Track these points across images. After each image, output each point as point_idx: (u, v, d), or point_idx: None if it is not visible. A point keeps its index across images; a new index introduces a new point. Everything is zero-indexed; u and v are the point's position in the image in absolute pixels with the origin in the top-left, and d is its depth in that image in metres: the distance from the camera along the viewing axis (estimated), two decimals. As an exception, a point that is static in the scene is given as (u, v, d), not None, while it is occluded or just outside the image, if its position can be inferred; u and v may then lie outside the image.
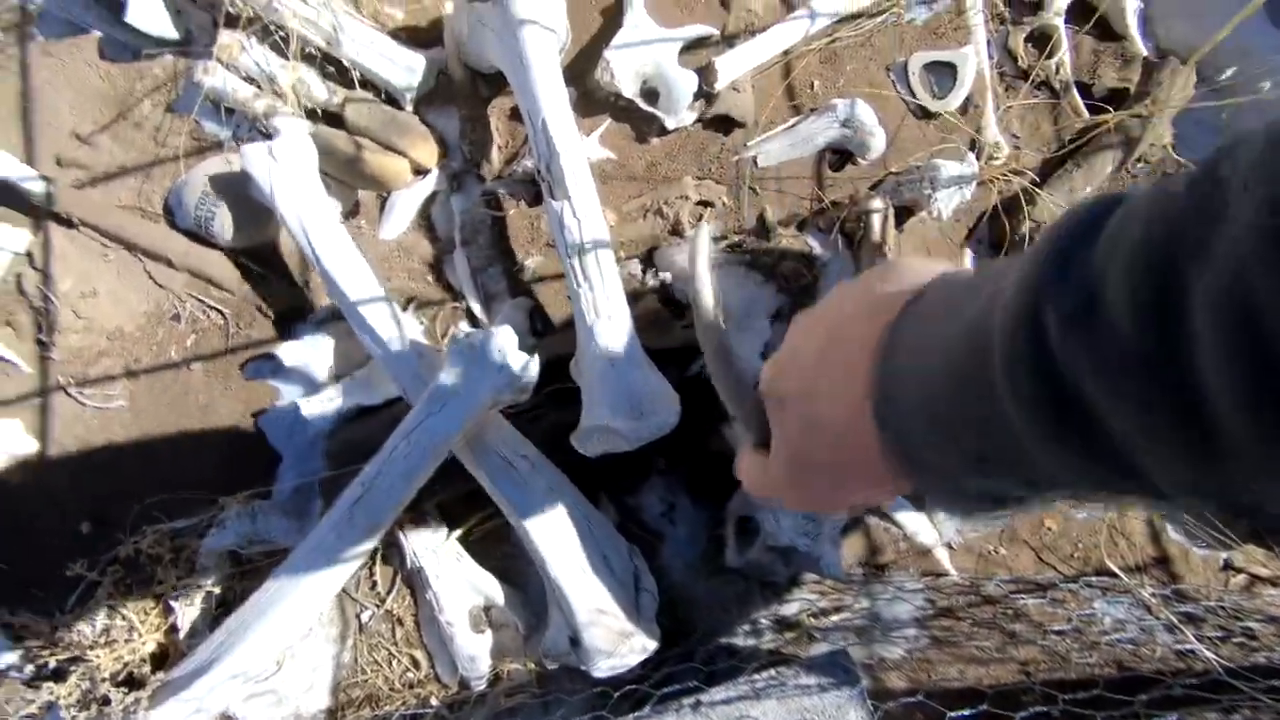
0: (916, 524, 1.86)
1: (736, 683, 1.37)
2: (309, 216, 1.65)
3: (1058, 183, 1.92)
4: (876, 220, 1.84)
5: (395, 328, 1.63)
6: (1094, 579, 1.77)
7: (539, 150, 1.62)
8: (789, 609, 1.78)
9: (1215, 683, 1.42)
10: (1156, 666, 1.68)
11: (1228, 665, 1.50)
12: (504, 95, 1.97)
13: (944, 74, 2.00)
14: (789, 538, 1.69)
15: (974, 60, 1.98)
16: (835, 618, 1.80)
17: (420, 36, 1.99)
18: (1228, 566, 1.82)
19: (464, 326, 1.75)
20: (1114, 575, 1.78)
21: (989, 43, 2.02)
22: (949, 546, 1.85)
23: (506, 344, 1.43)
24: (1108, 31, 2.05)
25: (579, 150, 1.61)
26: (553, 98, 1.62)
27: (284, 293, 1.91)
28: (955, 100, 1.97)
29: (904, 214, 1.91)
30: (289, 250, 1.93)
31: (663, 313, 1.86)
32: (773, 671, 1.38)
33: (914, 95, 1.99)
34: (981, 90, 1.99)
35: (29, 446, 1.84)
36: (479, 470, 1.54)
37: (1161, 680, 1.48)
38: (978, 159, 1.92)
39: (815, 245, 1.92)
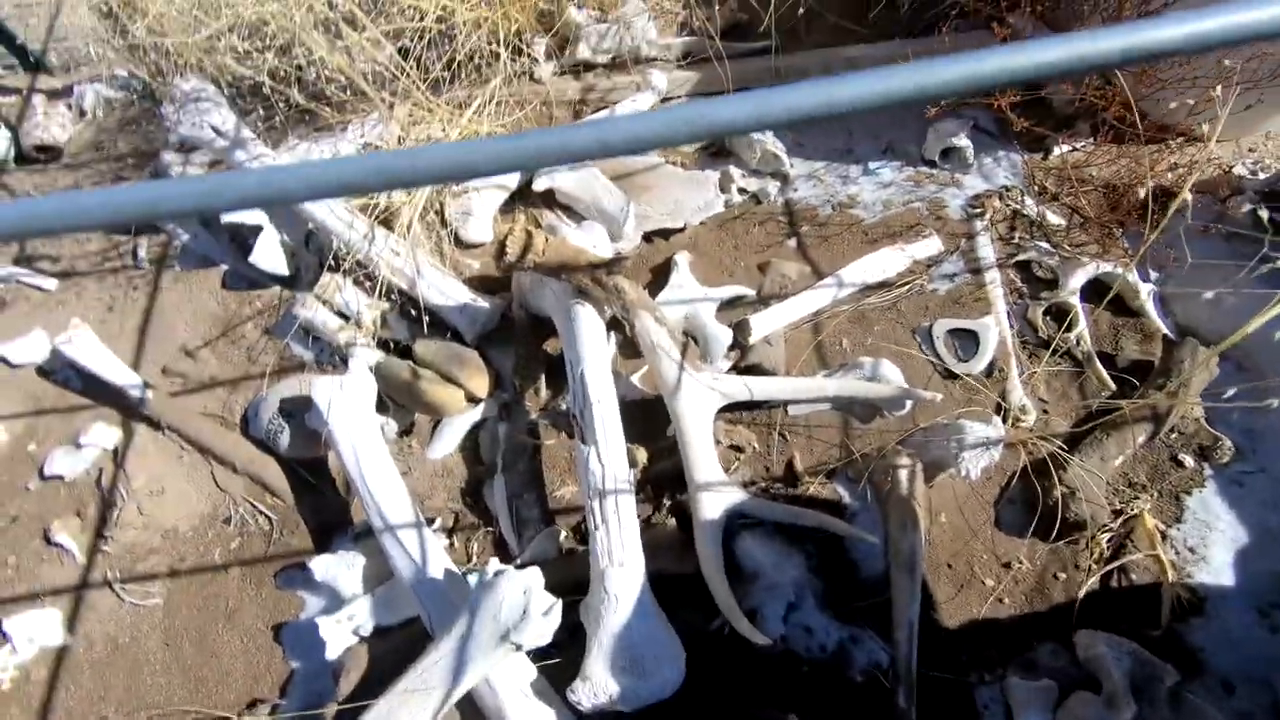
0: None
1: None
2: (360, 444, 1.79)
3: (1089, 449, 1.94)
4: (904, 475, 1.87)
5: (424, 552, 1.68)
6: None
7: (575, 396, 1.77)
8: None
9: None
10: None
11: None
12: (556, 339, 2.18)
13: (967, 340, 2.13)
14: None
15: (995, 329, 2.11)
16: None
17: (490, 284, 2.27)
18: None
19: (495, 563, 1.79)
20: None
21: (1009, 313, 2.17)
22: None
23: (533, 586, 1.45)
24: (1124, 308, 2.18)
25: (611, 403, 1.75)
26: (593, 354, 1.79)
27: (327, 506, 2.01)
28: (979, 365, 2.07)
29: (932, 471, 1.94)
30: (335, 469, 2.07)
31: (680, 536, 1.87)
32: None
33: (939, 358, 2.11)
34: (1005, 357, 2.09)
35: (60, 639, 1.89)
36: (494, 712, 1.49)
37: None
38: (1004, 422, 1.97)
39: (844, 495, 1.94)
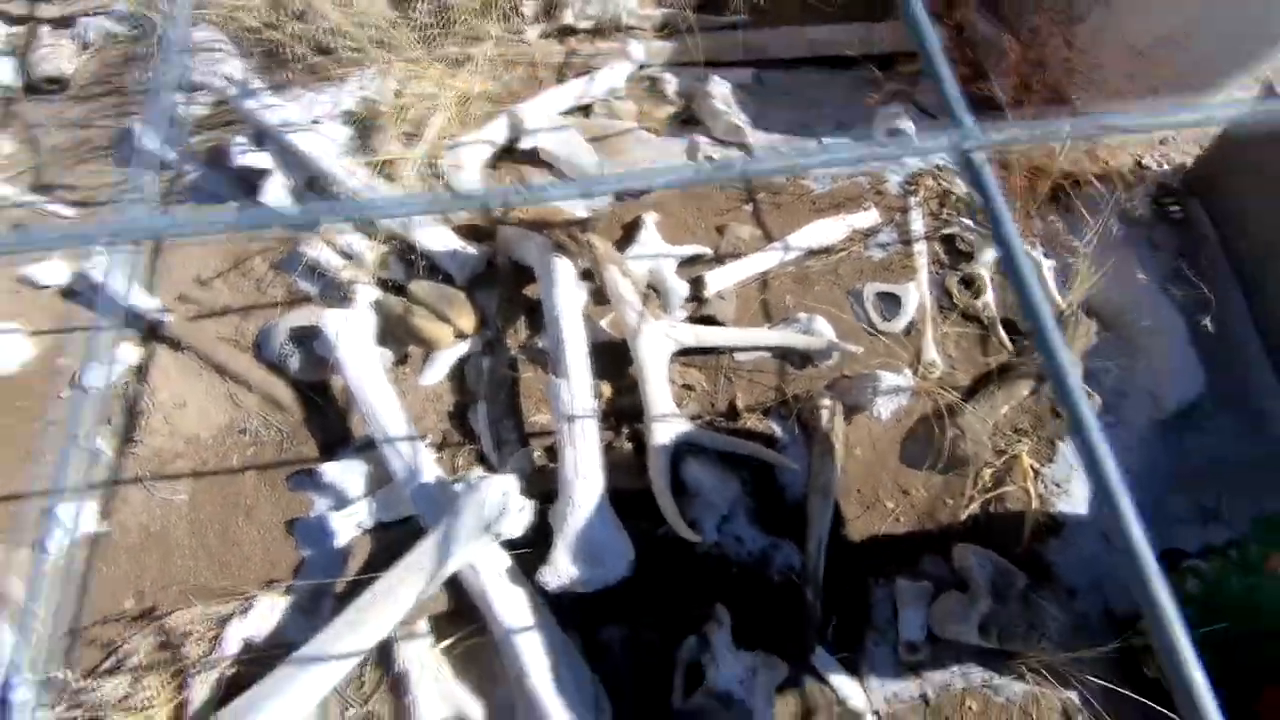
0: (849, 689, 2.07)
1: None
2: (363, 369, 2.09)
3: (982, 400, 2.30)
4: (825, 414, 2.22)
5: (417, 461, 2.00)
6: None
7: (550, 336, 2.07)
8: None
9: None
10: None
11: None
12: (535, 285, 2.47)
13: (892, 302, 2.46)
14: (726, 684, 1.93)
15: (916, 294, 2.44)
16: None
17: (477, 232, 2.53)
18: None
19: (478, 471, 2.11)
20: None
21: (930, 281, 2.50)
22: (876, 714, 2.05)
23: (510, 489, 1.78)
24: (1029, 282, 2.52)
25: (580, 343, 2.05)
26: (566, 301, 2.09)
27: (332, 423, 2.31)
28: (900, 324, 2.41)
29: (851, 412, 2.29)
30: (339, 390, 2.35)
31: (635, 459, 2.21)
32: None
33: (867, 317, 2.44)
34: (923, 319, 2.43)
35: (97, 525, 2.19)
36: (477, 590, 1.84)
37: None
38: (915, 374, 2.32)
39: (776, 429, 2.29)
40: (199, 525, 2.19)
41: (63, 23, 3.05)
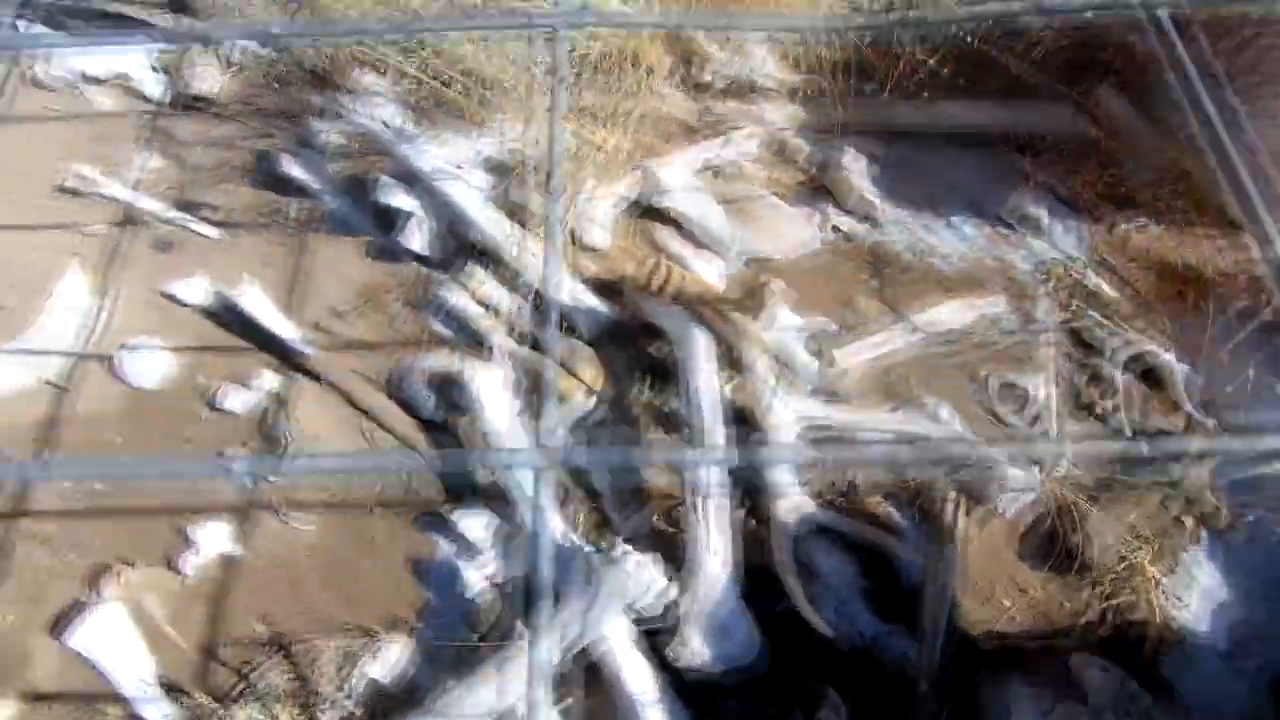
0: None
1: None
2: (503, 421, 2.14)
3: (1108, 503, 2.28)
4: (949, 506, 2.22)
5: (551, 521, 2.04)
6: None
7: (688, 407, 2.10)
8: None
9: None
10: None
11: None
12: (660, 344, 2.50)
13: (1018, 393, 2.44)
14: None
15: (1043, 387, 2.43)
16: None
17: (603, 286, 2.57)
18: None
19: (620, 544, 2.13)
20: None
21: (1057, 374, 2.48)
22: (982, 816, 2.04)
23: (656, 573, 1.82)
24: (1158, 384, 2.48)
25: (719, 420, 2.08)
26: (707, 376, 2.12)
27: (460, 467, 2.37)
28: (1025, 417, 2.39)
29: (973, 504, 2.28)
30: (466, 435, 2.40)
31: (758, 532, 2.23)
32: None
33: (991, 407, 2.43)
34: (1048, 412, 2.41)
35: (230, 548, 2.27)
36: (604, 658, 1.88)
37: None
38: (1039, 469, 2.31)
39: (896, 515, 2.29)
40: (327, 557, 2.26)
41: (211, 43, 3.15)
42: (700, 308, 2.08)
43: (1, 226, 2.71)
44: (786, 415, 2.23)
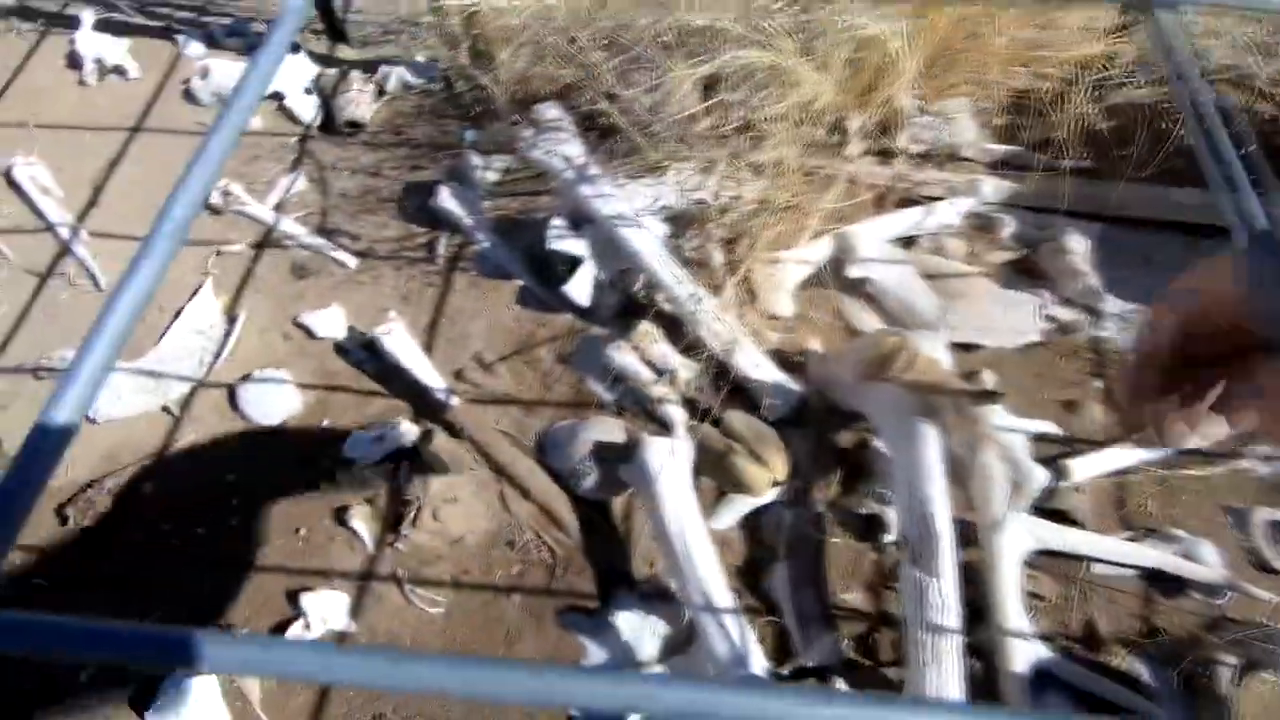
0: None
1: None
2: (684, 514, 1.80)
3: None
4: (1225, 674, 1.78)
5: (738, 642, 1.67)
6: None
7: (908, 521, 1.73)
8: None
9: None
10: None
11: None
12: (850, 430, 2.16)
13: (1290, 535, 2.01)
14: None
15: (1324, 532, 1.99)
16: None
17: (786, 360, 2.25)
18: None
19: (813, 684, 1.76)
20: None
21: (1337, 517, 2.04)
22: None
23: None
24: None
25: (951, 537, 1.70)
26: (938, 481, 1.75)
27: (612, 553, 2.02)
28: (1304, 566, 1.96)
29: (1247, 672, 1.84)
30: (619, 516, 2.07)
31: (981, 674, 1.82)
32: None
33: (1255, 547, 2.00)
34: (1330, 564, 1.97)
35: (345, 624, 1.95)
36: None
37: None
38: (1332, 637, 1.86)
39: (1144, 673, 1.85)
40: (454, 646, 1.92)
41: (366, 69, 3.05)
42: (943, 404, 1.75)
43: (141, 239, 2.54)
44: (1018, 535, 1.84)
